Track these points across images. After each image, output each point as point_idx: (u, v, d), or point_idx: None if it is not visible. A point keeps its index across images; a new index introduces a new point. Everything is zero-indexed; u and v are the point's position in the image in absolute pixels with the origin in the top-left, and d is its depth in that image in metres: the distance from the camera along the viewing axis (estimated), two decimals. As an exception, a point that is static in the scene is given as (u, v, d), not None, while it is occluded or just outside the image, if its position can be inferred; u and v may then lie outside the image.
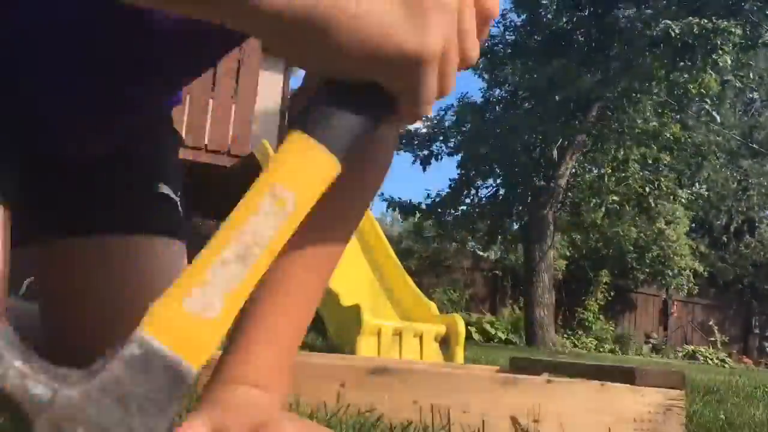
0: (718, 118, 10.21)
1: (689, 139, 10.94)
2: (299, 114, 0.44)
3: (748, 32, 8.98)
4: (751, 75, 9.61)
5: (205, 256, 0.39)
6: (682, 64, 9.03)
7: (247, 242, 0.39)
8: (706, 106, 9.70)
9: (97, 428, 0.35)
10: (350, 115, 0.45)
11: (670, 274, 13.85)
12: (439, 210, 11.87)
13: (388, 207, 12.24)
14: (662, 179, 10.97)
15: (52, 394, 0.34)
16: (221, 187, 8.40)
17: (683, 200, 11.64)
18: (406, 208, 12.15)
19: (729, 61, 8.77)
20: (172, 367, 0.36)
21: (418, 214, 12.15)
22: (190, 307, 0.37)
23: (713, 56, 8.68)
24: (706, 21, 8.61)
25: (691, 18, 8.69)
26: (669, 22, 8.65)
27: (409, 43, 0.44)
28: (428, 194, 12.09)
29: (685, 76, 9.22)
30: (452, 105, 11.90)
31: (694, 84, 9.23)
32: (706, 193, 13.17)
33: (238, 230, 0.40)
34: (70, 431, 0.34)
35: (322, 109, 0.44)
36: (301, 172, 0.42)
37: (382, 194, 12.06)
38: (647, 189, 10.85)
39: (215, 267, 0.38)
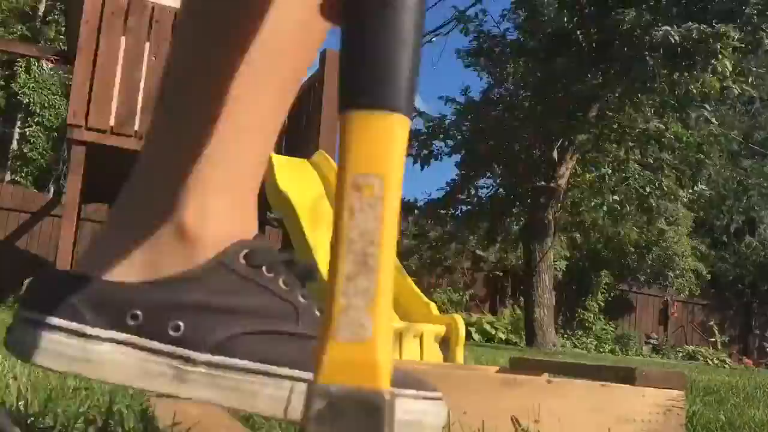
0: (714, 121, 10.17)
1: (691, 139, 10.94)
2: (340, 89, 0.40)
3: (748, 36, 8.96)
4: (750, 79, 9.59)
5: (330, 283, 0.38)
6: (684, 64, 9.02)
7: (358, 248, 0.38)
8: (705, 113, 9.68)
9: None
10: (392, 54, 0.39)
11: (672, 275, 13.85)
12: (438, 210, 11.85)
13: None
14: (663, 179, 10.97)
15: None
16: (221, 187, 8.41)
17: (684, 200, 11.64)
18: (405, 206, 12.14)
19: (729, 66, 8.75)
20: (359, 399, 0.35)
21: (416, 212, 12.13)
22: (345, 338, 0.37)
23: (713, 61, 8.67)
24: (705, 26, 8.60)
25: (690, 23, 8.67)
26: (668, 28, 8.64)
27: None
28: (428, 194, 12.09)
29: (686, 76, 9.21)
30: (454, 99, 11.87)
31: (695, 84, 9.22)
32: (708, 193, 13.17)
33: (345, 241, 0.38)
34: None
35: (359, 70, 0.39)
36: (372, 150, 0.38)
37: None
38: (648, 189, 10.85)
39: (344, 288, 0.37)
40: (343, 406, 0.35)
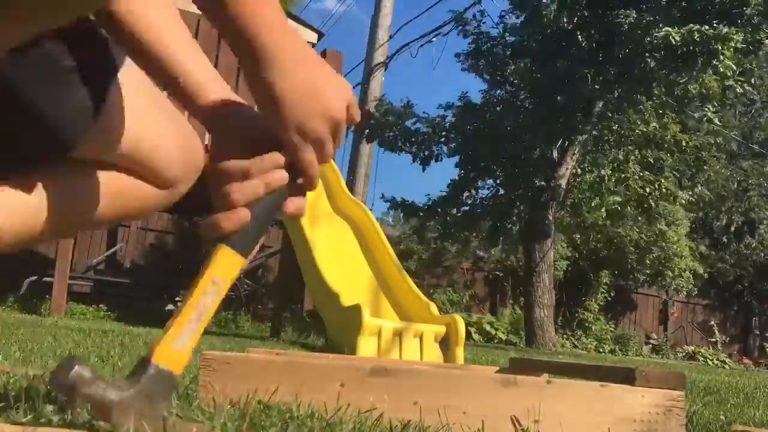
0: (717, 121, 10.15)
1: (690, 142, 10.93)
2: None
3: (749, 37, 8.95)
4: (753, 80, 9.58)
5: (184, 317, 0.74)
6: (682, 67, 9.01)
7: (200, 310, 0.75)
8: (708, 113, 9.66)
9: (140, 411, 0.69)
10: (254, 229, 0.79)
11: (671, 275, 13.85)
12: (439, 210, 11.85)
13: (390, 208, 12.22)
14: (663, 180, 10.97)
15: (119, 396, 0.69)
16: (221, 187, 8.41)
17: (683, 201, 11.64)
18: (408, 209, 12.15)
19: (733, 66, 8.75)
20: (169, 376, 0.73)
21: (420, 214, 12.13)
22: (176, 347, 0.73)
23: (714, 62, 8.66)
24: (707, 27, 8.59)
25: (692, 25, 8.66)
26: (669, 29, 8.62)
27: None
28: (428, 196, 12.09)
29: (685, 78, 9.20)
30: (453, 105, 11.86)
31: (695, 85, 9.20)
32: (708, 196, 13.21)
33: (198, 303, 0.75)
34: (127, 415, 0.68)
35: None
36: (226, 268, 0.77)
37: (383, 195, 12.07)
38: (647, 190, 10.84)
39: (188, 324, 0.74)
40: (161, 375, 0.72)
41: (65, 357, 0.61)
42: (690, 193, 11.71)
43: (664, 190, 10.90)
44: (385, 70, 14.47)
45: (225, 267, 0.76)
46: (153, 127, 0.90)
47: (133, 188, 0.92)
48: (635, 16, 9.26)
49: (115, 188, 0.90)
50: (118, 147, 0.86)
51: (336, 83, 0.82)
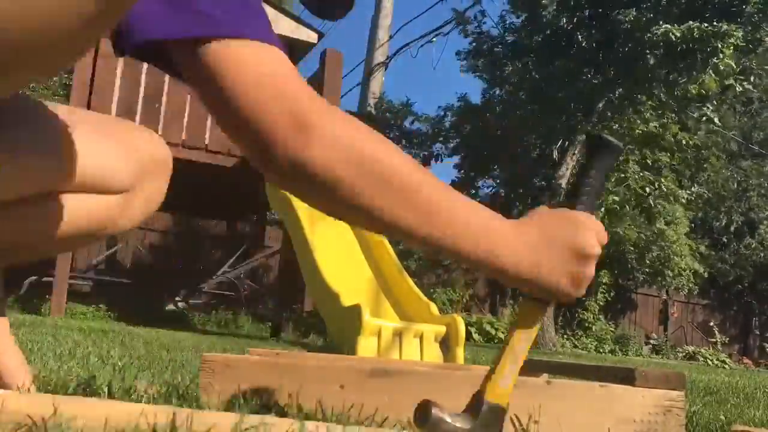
0: (716, 120, 10.16)
1: (690, 141, 10.93)
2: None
3: (748, 35, 8.97)
4: (752, 78, 9.59)
5: (503, 364, 0.89)
6: (682, 65, 9.02)
7: (516, 355, 0.90)
8: (707, 112, 9.67)
9: None
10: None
11: (670, 274, 13.83)
12: None
13: None
14: (662, 180, 10.96)
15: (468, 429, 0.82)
16: (221, 187, 8.41)
17: (683, 200, 11.63)
18: None
19: (733, 65, 8.76)
20: (499, 410, 0.87)
21: None
22: (502, 385, 0.88)
23: (714, 60, 8.67)
24: (706, 25, 8.60)
25: (691, 22, 8.68)
26: (669, 26, 8.64)
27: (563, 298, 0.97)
28: None
29: (684, 75, 9.21)
30: (452, 105, 11.88)
31: (694, 85, 9.21)
32: (706, 194, 13.19)
33: (514, 351, 0.90)
34: None
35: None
36: (529, 318, 0.94)
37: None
38: (647, 190, 10.84)
39: (509, 367, 0.89)
40: (494, 410, 0.87)
41: (421, 400, 0.81)
42: (689, 192, 11.70)
43: (664, 189, 10.90)
44: (385, 70, 14.49)
45: (528, 318, 0.93)
46: (91, 149, 0.96)
47: (87, 201, 0.98)
48: (635, 14, 9.26)
49: (72, 206, 0.96)
50: (63, 177, 0.92)
51: (575, 226, 0.99)
